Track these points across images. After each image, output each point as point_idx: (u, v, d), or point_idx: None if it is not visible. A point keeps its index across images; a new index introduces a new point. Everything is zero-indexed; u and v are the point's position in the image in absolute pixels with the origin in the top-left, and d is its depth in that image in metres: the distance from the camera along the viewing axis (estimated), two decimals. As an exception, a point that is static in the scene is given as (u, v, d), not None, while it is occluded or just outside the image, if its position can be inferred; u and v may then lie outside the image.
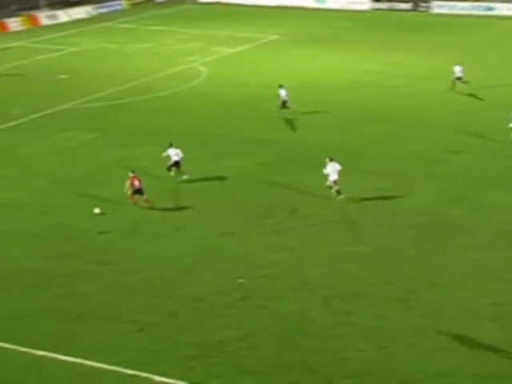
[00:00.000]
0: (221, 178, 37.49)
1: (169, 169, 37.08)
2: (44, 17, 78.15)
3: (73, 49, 65.95)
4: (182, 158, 36.84)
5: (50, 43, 68.01)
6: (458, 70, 50.42)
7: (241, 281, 27.91)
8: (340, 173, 33.92)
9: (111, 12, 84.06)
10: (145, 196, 33.78)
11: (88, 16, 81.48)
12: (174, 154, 36.76)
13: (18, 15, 77.04)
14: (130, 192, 33.68)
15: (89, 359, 23.30)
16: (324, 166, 34.15)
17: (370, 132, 43.46)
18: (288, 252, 29.99)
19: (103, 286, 27.60)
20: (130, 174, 33.52)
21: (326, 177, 34.16)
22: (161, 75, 56.37)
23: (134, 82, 54.25)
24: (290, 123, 45.50)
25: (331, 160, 34.15)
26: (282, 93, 46.09)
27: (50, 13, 79.27)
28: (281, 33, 72.55)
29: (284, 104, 46.03)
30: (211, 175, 37.83)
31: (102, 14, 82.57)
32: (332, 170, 33.92)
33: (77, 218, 33.19)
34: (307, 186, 35.61)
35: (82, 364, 23.17)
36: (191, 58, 62.28)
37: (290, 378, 22.54)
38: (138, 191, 33.51)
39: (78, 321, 25.46)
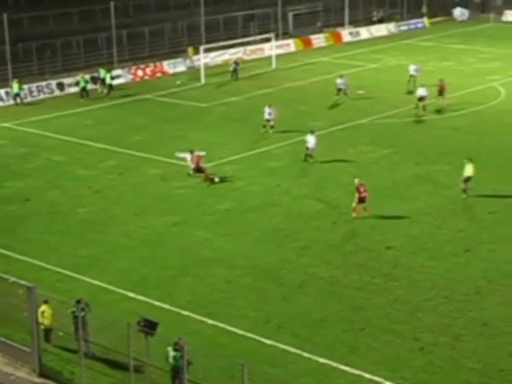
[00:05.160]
0: (516, 202, 36.54)
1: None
2: (347, 34, 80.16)
3: (373, 65, 67.03)
4: None
5: (351, 59, 69.62)
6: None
7: (529, 310, 27.04)
8: None
9: (412, 30, 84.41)
10: (365, 204, 34.91)
11: (389, 34, 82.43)
12: None
13: (322, 32, 79.69)
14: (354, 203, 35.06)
15: (368, 372, 23.62)
16: None
17: None
18: None
19: (390, 301, 27.84)
20: (356, 182, 35.06)
21: None
22: (460, 94, 55.68)
23: (434, 100, 53.98)
24: None
25: None
26: None
27: (353, 30, 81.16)
28: None
29: None
30: (507, 198, 36.88)
31: (402, 32, 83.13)
32: None
33: (369, 230, 33.82)
34: None
35: (360, 376, 23.53)
36: (491, 77, 60.95)
37: None
38: (362, 200, 34.80)
39: (363, 333, 25.92)
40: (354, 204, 34.85)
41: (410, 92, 55.17)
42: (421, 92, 50.69)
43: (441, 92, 52.09)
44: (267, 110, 47.81)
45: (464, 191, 37.01)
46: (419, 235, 33.29)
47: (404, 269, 30.28)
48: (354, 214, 34.85)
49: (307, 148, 42.25)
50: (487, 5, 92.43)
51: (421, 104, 50.62)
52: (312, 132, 42.66)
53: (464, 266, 30.49)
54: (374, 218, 34.84)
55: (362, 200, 34.77)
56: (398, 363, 24.17)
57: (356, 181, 35.15)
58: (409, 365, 24.08)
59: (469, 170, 36.96)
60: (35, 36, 64.72)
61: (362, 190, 34.67)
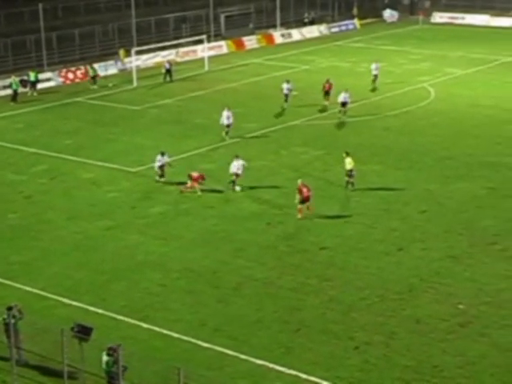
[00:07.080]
0: (448, 201, 37.03)
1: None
2: (279, 35, 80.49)
3: (305, 66, 67.39)
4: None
5: (283, 61, 69.89)
6: None
7: (461, 307, 27.45)
8: None
9: (343, 31, 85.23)
10: (308, 203, 35.03)
11: (320, 35, 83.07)
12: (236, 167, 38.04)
13: (254, 33, 79.86)
14: (297, 201, 35.10)
15: (305, 373, 23.74)
16: None
17: None
18: (514, 280, 29.16)
19: (325, 301, 28.04)
20: (299, 183, 35.06)
21: None
22: (391, 94, 56.46)
23: (366, 101, 54.68)
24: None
25: None
26: None
27: (285, 31, 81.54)
28: (516, 54, 70.50)
29: None
30: (438, 197, 37.48)
31: (334, 33, 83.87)
32: None
33: (303, 231, 34.00)
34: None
35: (297, 376, 23.64)
36: (421, 78, 61.88)
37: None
38: (306, 199, 34.79)
39: (298, 333, 26.04)
40: (298, 205, 34.95)
41: (374, 89, 57.47)
42: (343, 97, 50.10)
43: (327, 92, 52.69)
44: (225, 113, 45.64)
45: (347, 184, 38.23)
46: (352, 235, 33.58)
47: (338, 269, 30.51)
48: (298, 216, 34.90)
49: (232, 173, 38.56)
50: (416, 7, 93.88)
51: (343, 109, 50.26)
52: (237, 157, 38.73)
53: (397, 264, 30.87)
54: (308, 218, 35.03)
55: (305, 199, 34.81)
56: (333, 363, 24.34)
57: (298, 182, 35.30)
58: (344, 364, 24.27)
59: (348, 164, 37.94)
60: (-39, 39, 63.55)
61: (304, 190, 34.72)
